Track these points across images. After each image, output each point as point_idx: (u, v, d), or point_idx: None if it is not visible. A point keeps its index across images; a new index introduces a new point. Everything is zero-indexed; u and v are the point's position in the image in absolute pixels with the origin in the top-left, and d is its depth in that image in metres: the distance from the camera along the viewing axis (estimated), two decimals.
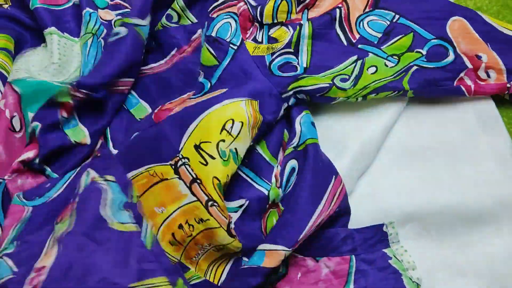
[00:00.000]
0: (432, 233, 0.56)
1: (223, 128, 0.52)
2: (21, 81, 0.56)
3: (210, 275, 0.52)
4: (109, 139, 0.58)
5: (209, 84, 0.59)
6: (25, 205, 0.52)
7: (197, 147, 0.52)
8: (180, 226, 0.51)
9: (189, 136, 0.53)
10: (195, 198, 0.51)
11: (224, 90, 0.57)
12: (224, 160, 0.51)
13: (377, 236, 0.54)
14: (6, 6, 0.65)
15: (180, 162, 0.52)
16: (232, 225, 0.53)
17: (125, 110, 0.60)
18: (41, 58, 0.60)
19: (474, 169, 0.58)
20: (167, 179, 0.52)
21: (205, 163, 0.51)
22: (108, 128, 0.58)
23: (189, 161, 0.51)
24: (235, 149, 0.52)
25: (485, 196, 0.56)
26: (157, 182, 0.52)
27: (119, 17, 0.62)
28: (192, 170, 0.51)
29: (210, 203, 0.50)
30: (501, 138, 0.61)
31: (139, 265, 0.48)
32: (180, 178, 0.51)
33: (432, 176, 0.58)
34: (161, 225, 0.51)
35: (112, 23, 0.62)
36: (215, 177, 0.51)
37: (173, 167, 0.52)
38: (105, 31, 0.61)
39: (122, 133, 0.58)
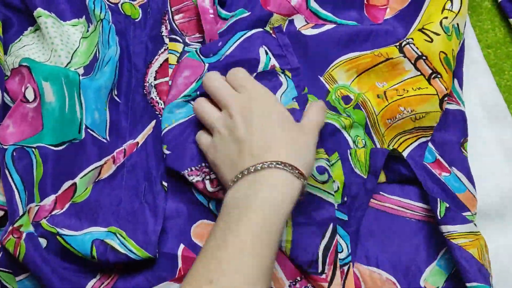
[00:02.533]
0: None
1: (443, 8, 0.56)
2: (30, 61, 0.53)
3: (394, 144, 0.56)
4: None
5: None
6: (202, 62, 0.55)
7: (421, 29, 0.56)
8: (395, 90, 0.55)
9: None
10: (418, 73, 0.55)
11: None
12: (448, 35, 0.55)
13: None
14: None
15: (404, 42, 0.56)
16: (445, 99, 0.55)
17: None
18: (40, 46, 0.59)
19: (481, 162, 0.57)
20: (392, 58, 0.56)
21: (430, 40, 0.55)
22: None
23: (413, 40, 0.55)
24: (457, 24, 0.56)
25: (491, 190, 0.56)
26: (382, 61, 0.56)
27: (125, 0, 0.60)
28: (417, 48, 0.55)
29: (433, 75, 0.55)
30: (508, 129, 0.59)
31: None
32: (405, 56, 0.55)
33: None
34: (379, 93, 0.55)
35: (119, 6, 0.59)
36: (442, 52, 0.54)
37: (398, 47, 0.56)
38: (111, 16, 0.58)
39: None
